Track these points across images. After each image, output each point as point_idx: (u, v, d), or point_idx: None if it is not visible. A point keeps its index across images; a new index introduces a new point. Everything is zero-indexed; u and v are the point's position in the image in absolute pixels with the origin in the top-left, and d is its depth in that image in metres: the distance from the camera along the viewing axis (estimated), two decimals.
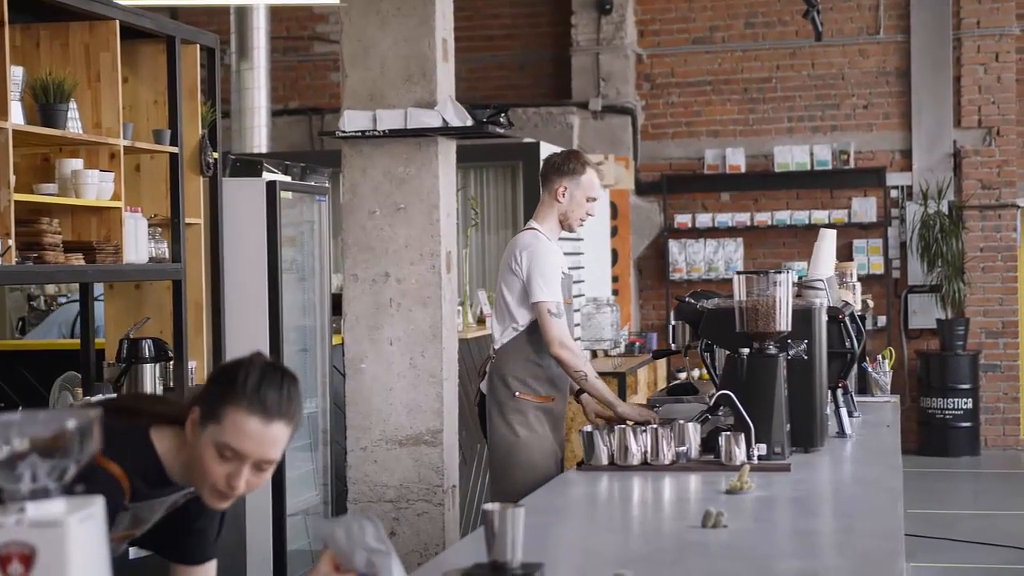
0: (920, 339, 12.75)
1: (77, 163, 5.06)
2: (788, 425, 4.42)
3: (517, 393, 5.21)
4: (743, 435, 4.26)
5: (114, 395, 5.08)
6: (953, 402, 12.27)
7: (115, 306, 5.82)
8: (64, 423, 1.81)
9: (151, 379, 5.50)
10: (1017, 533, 8.99)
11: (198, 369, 5.89)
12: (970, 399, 12.28)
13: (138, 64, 5.72)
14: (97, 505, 1.84)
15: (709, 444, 4.40)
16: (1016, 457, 12.43)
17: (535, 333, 5.18)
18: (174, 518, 2.80)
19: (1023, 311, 12.83)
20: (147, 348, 5.48)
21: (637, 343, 11.20)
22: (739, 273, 4.51)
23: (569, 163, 5.32)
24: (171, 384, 5.64)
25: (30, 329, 8.31)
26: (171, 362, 5.62)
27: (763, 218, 12.81)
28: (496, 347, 5.33)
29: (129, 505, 2.66)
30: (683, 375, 12.12)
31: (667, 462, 4.28)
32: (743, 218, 12.85)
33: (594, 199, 5.35)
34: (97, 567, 1.83)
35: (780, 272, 4.48)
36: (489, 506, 2.76)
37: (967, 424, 12.30)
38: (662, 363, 11.32)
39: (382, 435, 5.75)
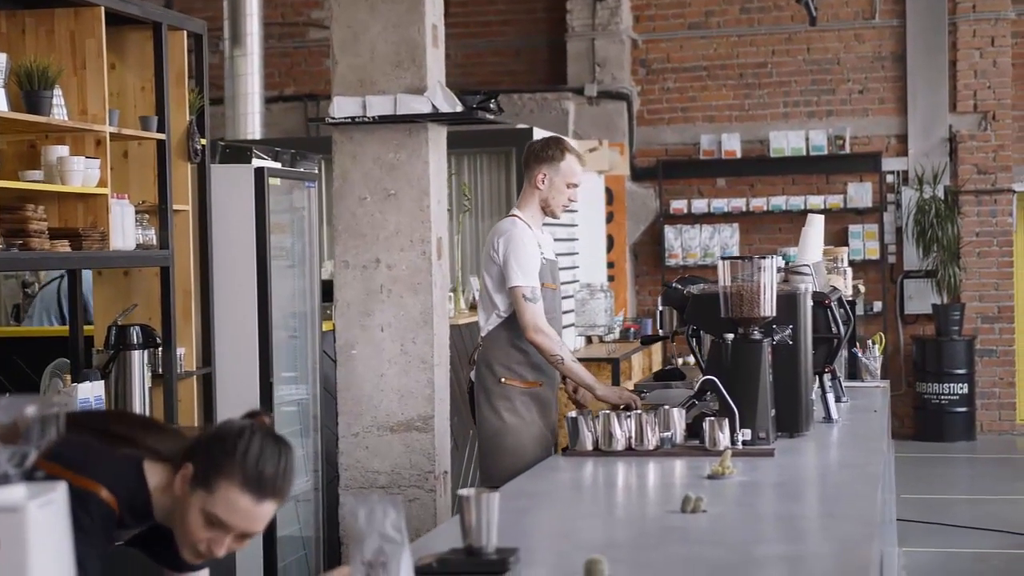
0: (916, 324, 12.75)
1: (63, 150, 5.05)
2: (773, 410, 4.43)
3: (503, 379, 5.24)
4: (727, 420, 4.27)
5: (103, 410, 5.02)
6: (949, 387, 12.27)
7: (103, 293, 5.82)
8: (23, 410, 1.81)
9: (139, 366, 5.49)
10: (1012, 518, 9.00)
11: (187, 356, 5.89)
12: (966, 384, 12.29)
13: (125, 51, 5.71)
14: (59, 491, 1.84)
15: (694, 429, 4.40)
16: (1011, 442, 12.44)
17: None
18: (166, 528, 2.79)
19: (1019, 296, 12.83)
20: (135, 335, 5.48)
21: (632, 329, 11.20)
22: (724, 258, 4.51)
23: (548, 150, 5.35)
24: (159, 370, 5.64)
25: (24, 317, 8.31)
26: (159, 349, 5.62)
27: (759, 203, 12.80)
28: (482, 335, 5.35)
29: (115, 533, 2.66)
30: (679, 361, 12.14)
31: (651, 447, 4.29)
32: (739, 204, 12.84)
33: (575, 185, 5.35)
34: (59, 553, 1.83)
35: (764, 258, 4.47)
36: (464, 491, 2.77)
37: (963, 409, 12.30)
38: (657, 349, 11.33)
39: (373, 421, 5.76)
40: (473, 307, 7.98)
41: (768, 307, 4.45)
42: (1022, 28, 12.69)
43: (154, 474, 2.67)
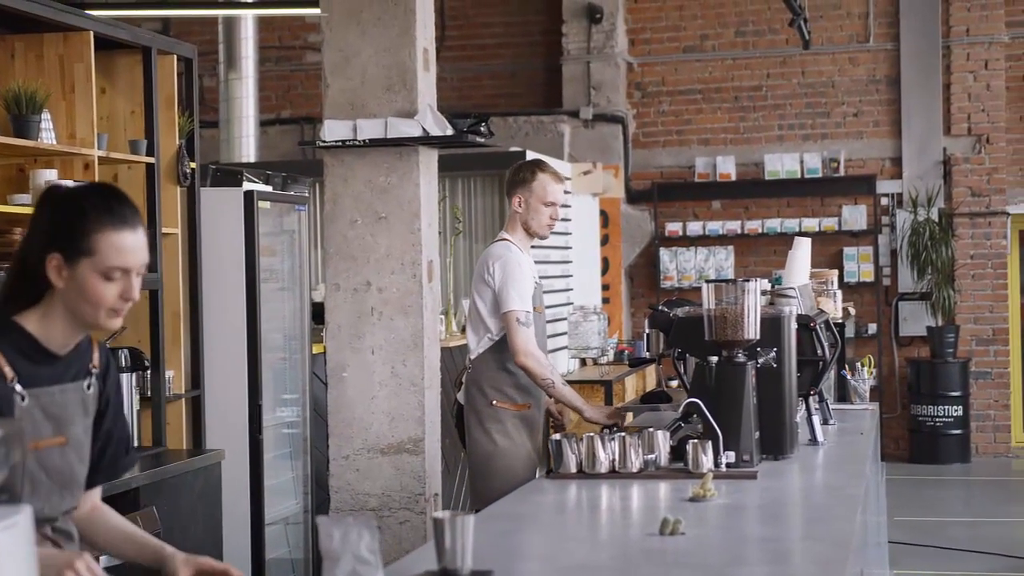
0: (911, 346, 12.76)
1: (51, 173, 5.08)
2: (757, 433, 4.43)
3: (494, 402, 5.27)
4: (710, 443, 4.27)
5: None
6: (943, 409, 12.27)
7: None
8: None
9: (128, 388, 5.51)
10: (1007, 540, 9.00)
11: (175, 378, 5.91)
12: (960, 406, 12.29)
13: (115, 75, 5.74)
14: (24, 514, 1.85)
15: (679, 452, 4.41)
16: (1006, 464, 12.43)
17: None
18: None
19: (1013, 318, 12.84)
20: (124, 357, 5.49)
21: (626, 351, 11.21)
22: (708, 281, 4.53)
23: (520, 173, 5.44)
24: (148, 394, 5.65)
25: None
26: (148, 371, 5.63)
27: (754, 226, 12.82)
28: (471, 357, 5.37)
29: (23, 392, 2.67)
30: (675, 383, 12.13)
31: (635, 470, 4.29)
32: (734, 226, 12.87)
33: (552, 203, 5.39)
34: (24, 574, 1.84)
35: (748, 280, 4.49)
36: (438, 514, 2.79)
37: (958, 431, 12.30)
38: (651, 371, 11.34)
39: (364, 443, 5.76)
40: (464, 329, 7.99)
41: (752, 330, 4.46)
42: (1016, 51, 12.74)
43: (27, 320, 2.72)
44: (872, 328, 12.58)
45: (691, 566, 3.06)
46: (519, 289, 5.17)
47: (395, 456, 5.85)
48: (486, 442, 5.27)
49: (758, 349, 4.54)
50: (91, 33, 5.24)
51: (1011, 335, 12.76)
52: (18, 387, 2.66)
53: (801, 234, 12.37)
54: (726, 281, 4.52)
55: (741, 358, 4.48)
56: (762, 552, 3.28)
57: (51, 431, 2.72)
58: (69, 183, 2.83)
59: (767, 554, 3.23)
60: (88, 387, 2.82)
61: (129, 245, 2.69)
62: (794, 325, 4.77)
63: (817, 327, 5.13)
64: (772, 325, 4.61)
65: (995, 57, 12.61)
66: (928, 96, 12.66)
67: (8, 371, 2.66)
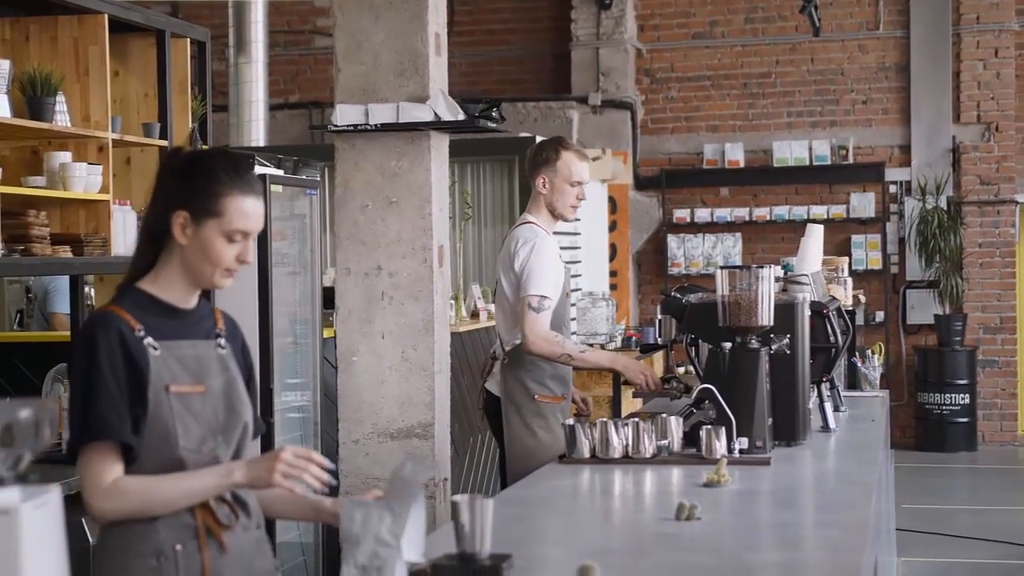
0: (918, 334, 12.76)
1: (65, 156, 5.08)
2: (770, 419, 4.43)
3: (536, 396, 5.19)
4: (724, 429, 4.28)
5: None
6: (951, 397, 12.28)
7: (105, 299, 5.83)
8: (17, 413, 1.83)
9: None
10: (1013, 528, 9.00)
11: None
12: (967, 394, 12.29)
13: (128, 58, 5.74)
14: (52, 493, 1.86)
15: (692, 438, 4.41)
16: (1013, 452, 12.44)
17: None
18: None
19: (1021, 307, 12.83)
20: None
21: (634, 337, 11.21)
22: (722, 268, 4.52)
23: (543, 152, 5.32)
24: None
25: (38, 308, 8.30)
26: None
27: (762, 213, 12.82)
28: (507, 348, 5.28)
29: (155, 343, 2.79)
30: (681, 370, 12.13)
31: (648, 455, 4.29)
32: (742, 213, 12.86)
33: (578, 183, 5.30)
34: (52, 555, 1.84)
35: (763, 267, 4.49)
36: (457, 497, 2.78)
37: (964, 419, 12.31)
38: (659, 357, 11.34)
39: (374, 428, 5.77)
40: (475, 315, 8.00)
41: (766, 316, 4.45)
42: None
43: (146, 283, 2.86)
44: (880, 316, 12.58)
45: (708, 551, 3.07)
46: (540, 274, 5.10)
47: (405, 441, 5.86)
48: (528, 437, 5.19)
49: (771, 336, 4.54)
50: (105, 16, 5.24)
51: (1018, 323, 12.75)
52: (148, 339, 2.79)
53: (811, 221, 12.38)
54: (740, 267, 4.51)
55: (755, 344, 4.48)
56: (779, 538, 3.28)
57: (189, 381, 2.84)
58: (186, 148, 3.02)
59: (783, 540, 3.24)
60: (219, 347, 2.94)
61: (253, 210, 2.83)
62: (807, 312, 4.77)
63: (830, 314, 5.13)
64: (786, 311, 4.60)
65: (1005, 45, 12.58)
66: (937, 84, 12.64)
67: (136, 324, 2.78)
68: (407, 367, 6.06)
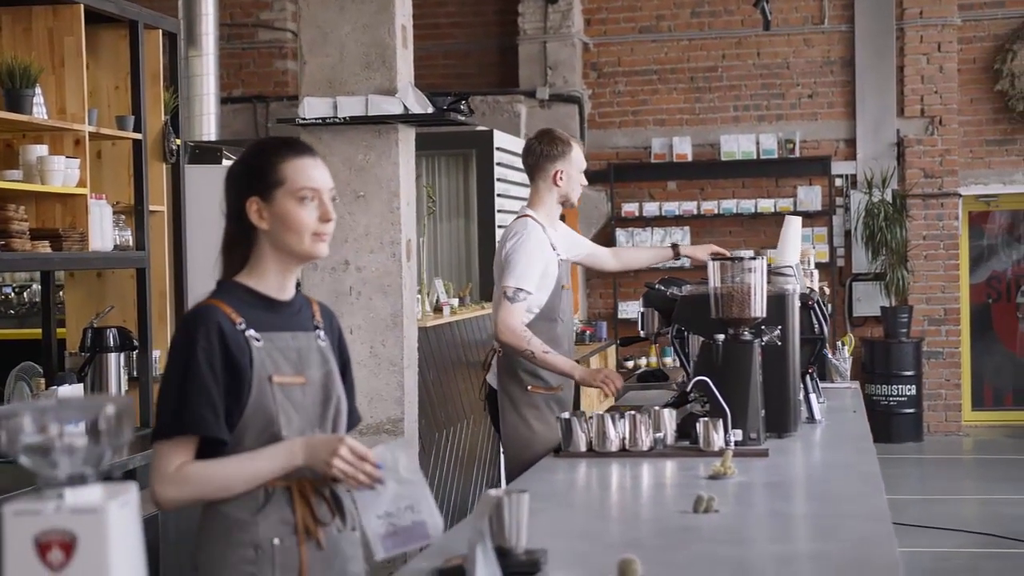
0: (864, 326, 12.88)
1: (42, 149, 4.98)
2: (763, 411, 4.45)
3: (529, 387, 5.18)
4: (721, 421, 4.28)
5: None
6: (897, 388, 12.41)
7: (76, 295, 5.74)
8: (101, 409, 1.79)
9: (115, 369, 5.43)
10: (962, 517, 9.11)
11: (162, 358, 5.83)
12: (913, 386, 12.43)
13: (99, 49, 5.64)
14: (132, 492, 1.82)
15: (683, 430, 4.41)
16: (958, 442, 12.60)
17: (542, 323, 5.15)
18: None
19: (964, 299, 13.00)
20: (112, 337, 5.41)
21: (587, 332, 11.23)
22: (714, 259, 4.52)
23: (557, 147, 5.34)
24: (135, 374, 5.57)
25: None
26: (135, 351, 5.55)
27: (710, 207, 12.87)
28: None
29: (257, 335, 2.81)
30: (644, 361, 12.18)
31: (645, 448, 4.29)
32: (690, 207, 12.91)
33: (583, 168, 5.43)
34: (135, 551, 1.81)
35: (755, 258, 4.49)
36: (494, 492, 2.75)
37: (910, 410, 12.45)
38: (612, 351, 11.37)
39: None
40: (438, 309, 7.96)
41: (759, 308, 4.46)
42: (968, 34, 12.86)
43: (241, 277, 2.89)
44: (828, 308, 12.67)
45: (735, 542, 3.06)
46: (520, 266, 5.09)
47: (374, 436, 5.82)
48: (523, 428, 5.18)
49: (763, 327, 4.55)
50: (81, 7, 5.14)
51: (962, 315, 12.92)
52: (250, 331, 2.81)
53: (767, 214, 12.45)
54: (732, 259, 4.51)
55: (747, 336, 4.48)
56: (803, 528, 3.29)
57: (291, 372, 2.84)
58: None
59: (809, 531, 3.24)
60: (319, 339, 2.94)
61: (312, 168, 2.87)
62: (797, 303, 4.79)
63: (814, 305, 5.16)
64: (777, 303, 4.62)
65: (948, 39, 12.73)
66: (882, 78, 12.76)
67: (237, 318, 2.81)
68: (375, 362, 6.04)
